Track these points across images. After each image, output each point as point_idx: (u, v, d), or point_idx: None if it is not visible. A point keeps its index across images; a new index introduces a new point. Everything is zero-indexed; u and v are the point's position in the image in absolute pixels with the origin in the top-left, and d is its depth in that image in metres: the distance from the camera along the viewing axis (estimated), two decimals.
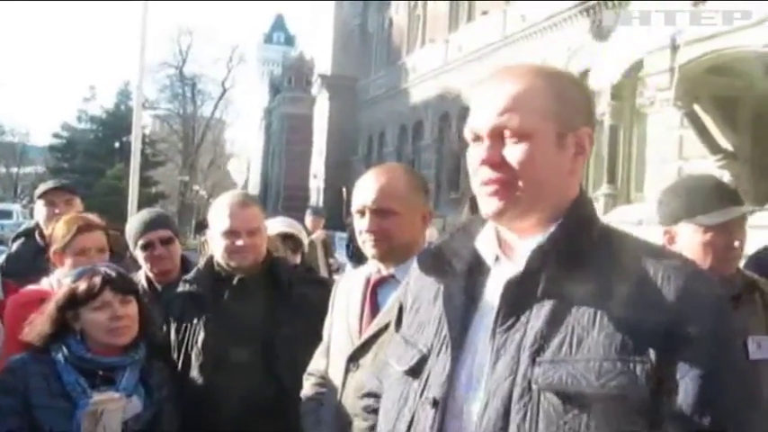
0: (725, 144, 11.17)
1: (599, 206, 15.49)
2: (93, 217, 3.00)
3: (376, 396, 1.54)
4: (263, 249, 2.54)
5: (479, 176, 1.23)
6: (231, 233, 2.45)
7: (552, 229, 1.21)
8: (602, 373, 1.09)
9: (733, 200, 2.15)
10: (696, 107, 11.11)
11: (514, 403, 1.13)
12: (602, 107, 16.49)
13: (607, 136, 16.31)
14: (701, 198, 2.10)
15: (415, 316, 1.36)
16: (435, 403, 1.22)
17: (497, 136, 1.21)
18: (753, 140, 11.19)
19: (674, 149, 11.58)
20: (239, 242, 2.44)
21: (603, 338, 1.11)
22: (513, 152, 1.20)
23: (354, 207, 1.99)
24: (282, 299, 2.48)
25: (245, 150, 63.02)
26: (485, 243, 1.29)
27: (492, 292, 1.24)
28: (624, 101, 15.77)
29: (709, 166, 10.20)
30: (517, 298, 1.19)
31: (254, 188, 52.57)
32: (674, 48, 10.42)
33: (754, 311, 2.10)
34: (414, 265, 1.44)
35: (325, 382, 2.10)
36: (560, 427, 1.10)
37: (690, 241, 2.07)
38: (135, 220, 3.04)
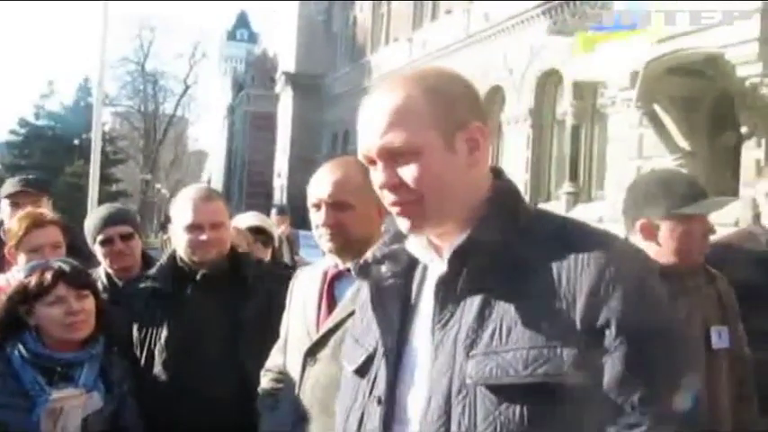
0: (683, 143, 11.38)
1: (561, 204, 15.69)
2: (48, 212, 2.94)
3: None
4: (227, 244, 2.52)
5: (385, 199, 1.23)
6: (194, 227, 2.42)
7: (470, 229, 1.20)
8: (530, 361, 1.11)
9: (705, 192, 2.22)
10: (656, 107, 11.31)
11: (453, 398, 1.15)
12: (565, 107, 16.72)
13: (569, 135, 16.52)
14: (680, 190, 2.15)
15: (364, 315, 1.37)
16: (380, 401, 1.24)
17: (387, 157, 1.20)
18: (710, 140, 11.43)
19: (634, 149, 11.77)
20: (203, 236, 2.41)
21: (530, 328, 1.12)
22: (407, 172, 1.19)
23: (310, 201, 1.97)
24: (247, 294, 2.46)
25: (207, 148, 62.41)
26: (417, 245, 1.29)
27: (429, 291, 1.25)
28: (586, 101, 15.98)
29: (668, 165, 10.38)
30: (447, 296, 1.20)
31: (217, 186, 52.09)
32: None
33: (713, 302, 2.17)
34: None
35: (282, 377, 2.09)
36: (496, 418, 1.11)
37: (671, 232, 2.12)
38: (93, 216, 2.99)
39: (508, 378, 1.11)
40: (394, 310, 1.27)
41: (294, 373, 1.98)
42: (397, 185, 1.20)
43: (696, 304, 2.11)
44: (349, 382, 1.36)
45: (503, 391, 1.12)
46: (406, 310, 1.27)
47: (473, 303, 1.17)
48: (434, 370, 1.18)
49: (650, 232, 2.14)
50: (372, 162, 1.23)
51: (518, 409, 1.11)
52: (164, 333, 2.41)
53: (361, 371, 1.31)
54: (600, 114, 15.01)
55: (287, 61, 38.64)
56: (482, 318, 1.16)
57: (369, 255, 1.35)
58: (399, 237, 1.31)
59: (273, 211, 9.05)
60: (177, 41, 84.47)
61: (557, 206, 14.89)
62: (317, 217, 1.95)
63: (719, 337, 2.12)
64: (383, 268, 1.32)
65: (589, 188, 16.23)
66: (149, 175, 43.38)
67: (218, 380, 2.33)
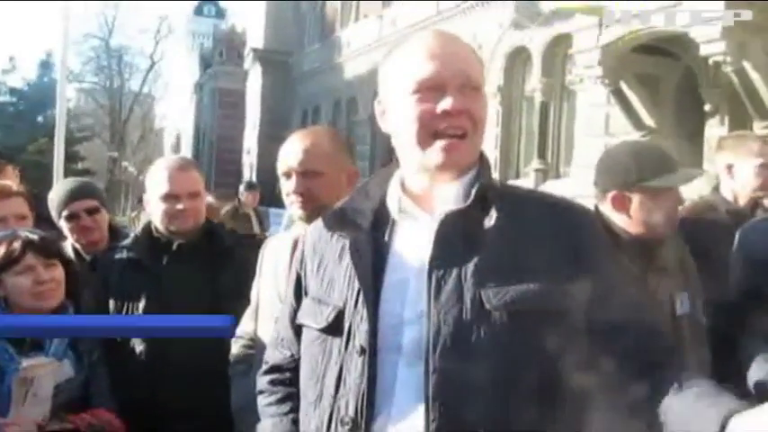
0: (648, 121, 11.56)
1: (530, 181, 15.83)
2: (12, 184, 2.90)
3: (280, 370, 1.55)
4: (203, 213, 2.53)
5: (436, 124, 1.30)
6: (171, 197, 2.42)
7: (473, 172, 1.35)
8: (546, 293, 1.24)
9: (676, 163, 2.25)
10: (622, 85, 11.45)
11: (467, 325, 1.22)
12: (534, 84, 16.80)
13: (538, 112, 16.62)
14: (651, 162, 2.17)
15: (323, 276, 1.40)
16: (363, 351, 1.27)
17: (460, 87, 1.31)
18: (675, 117, 11.62)
19: (601, 126, 11.93)
20: (179, 206, 2.42)
21: (540, 265, 1.26)
22: (474, 104, 1.32)
23: (280, 170, 2.00)
24: (223, 263, 2.47)
25: (175, 126, 61.51)
26: (392, 197, 1.38)
27: (404, 240, 1.33)
28: (554, 78, 16.08)
29: None
30: (453, 233, 1.28)
31: None
32: (600, 26, 10.69)
33: (677, 270, 2.23)
34: (310, 230, 1.50)
35: (253, 344, 2.11)
36: (513, 343, 1.21)
37: (643, 203, 2.15)
38: (58, 190, 2.95)
39: (529, 304, 1.22)
40: (367, 258, 1.32)
41: (266, 339, 2.00)
42: (462, 111, 1.30)
43: (665, 274, 2.15)
44: (316, 344, 1.36)
45: (521, 316, 1.22)
46: (378, 260, 1.32)
47: (481, 240, 1.27)
48: (438, 304, 1.24)
49: (621, 204, 2.16)
50: (435, 90, 1.31)
51: (533, 332, 1.22)
52: (140, 304, 2.41)
53: (332, 328, 1.33)
54: (568, 91, 15.14)
55: (255, 37, 38.13)
56: (493, 254, 1.26)
57: (336, 208, 1.41)
58: (368, 193, 1.40)
59: (242, 187, 8.98)
60: (142, 16, 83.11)
61: (526, 183, 15.01)
62: (287, 185, 1.98)
63: (682, 304, 2.18)
64: (351, 222, 1.37)
65: (557, 165, 16.38)
66: (116, 152, 42.70)
67: (196, 350, 2.34)
